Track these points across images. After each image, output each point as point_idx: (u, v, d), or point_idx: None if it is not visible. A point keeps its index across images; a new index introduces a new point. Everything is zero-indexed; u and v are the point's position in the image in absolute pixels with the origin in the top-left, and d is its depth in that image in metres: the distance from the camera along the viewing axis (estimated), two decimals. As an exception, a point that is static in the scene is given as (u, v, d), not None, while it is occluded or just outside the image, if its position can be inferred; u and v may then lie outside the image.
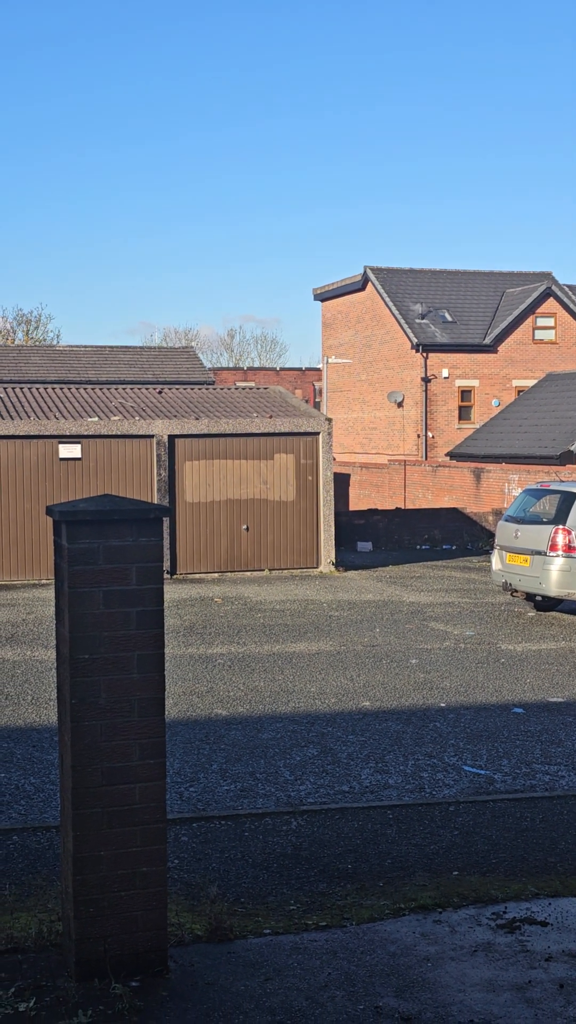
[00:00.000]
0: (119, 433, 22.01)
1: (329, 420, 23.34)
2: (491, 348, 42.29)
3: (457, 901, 6.12)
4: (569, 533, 16.64)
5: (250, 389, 26.20)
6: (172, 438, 22.27)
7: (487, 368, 42.43)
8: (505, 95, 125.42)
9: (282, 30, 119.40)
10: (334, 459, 31.93)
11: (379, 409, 44.65)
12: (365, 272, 45.02)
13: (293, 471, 22.80)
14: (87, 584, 4.93)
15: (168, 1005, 4.81)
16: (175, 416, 22.78)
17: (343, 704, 11.38)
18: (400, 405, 42.92)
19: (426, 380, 41.62)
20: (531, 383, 40.59)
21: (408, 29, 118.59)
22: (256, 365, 76.74)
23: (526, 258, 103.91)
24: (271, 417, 22.97)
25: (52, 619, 16.44)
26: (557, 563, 16.60)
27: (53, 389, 24.91)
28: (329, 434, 23.01)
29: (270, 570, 22.61)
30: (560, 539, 16.65)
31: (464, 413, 42.24)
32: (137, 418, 22.37)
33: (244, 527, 22.49)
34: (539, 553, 16.87)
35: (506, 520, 18.14)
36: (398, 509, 31.02)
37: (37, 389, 24.81)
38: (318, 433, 22.95)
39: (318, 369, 58.82)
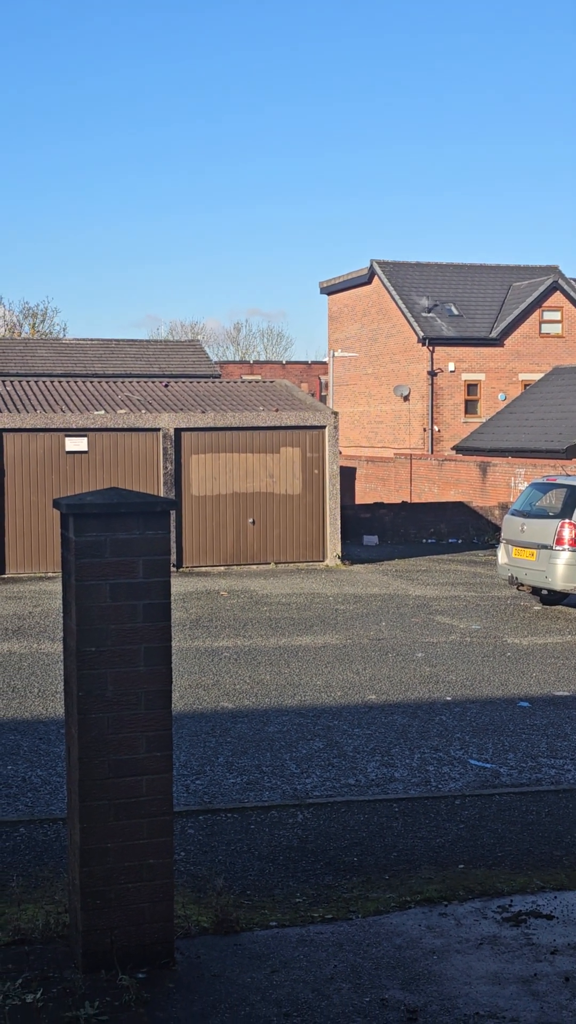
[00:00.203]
0: (125, 426, 22.02)
1: (335, 414, 23.33)
2: (497, 342, 42.23)
3: (463, 894, 6.13)
4: (575, 527, 16.65)
5: (256, 383, 26.19)
6: (178, 431, 22.27)
7: (493, 362, 42.37)
8: (513, 88, 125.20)
9: (289, 20, 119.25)
10: (340, 453, 31.92)
11: (385, 403, 44.62)
12: (371, 266, 44.97)
13: (299, 465, 22.80)
14: (94, 577, 4.94)
15: (174, 997, 4.83)
16: (181, 410, 22.79)
17: (349, 697, 11.39)
18: (406, 399, 42.88)
19: (432, 374, 41.58)
20: (537, 377, 40.53)
21: (415, 22, 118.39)
22: (262, 359, 76.73)
23: (533, 252, 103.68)
24: (277, 411, 22.96)
25: (59, 612, 16.47)
26: (563, 557, 16.61)
27: (59, 382, 24.92)
28: (335, 428, 23.00)
29: (276, 563, 22.62)
30: (566, 533, 16.65)
31: (470, 407, 42.20)
32: (143, 411, 22.38)
33: (250, 520, 22.50)
34: (545, 547, 16.88)
35: (512, 514, 18.14)
36: (404, 503, 31.00)
37: (43, 382, 24.82)
38: (324, 427, 22.95)
39: (324, 363, 58.78)
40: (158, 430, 22.18)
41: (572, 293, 42.97)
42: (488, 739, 9.82)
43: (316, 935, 5.56)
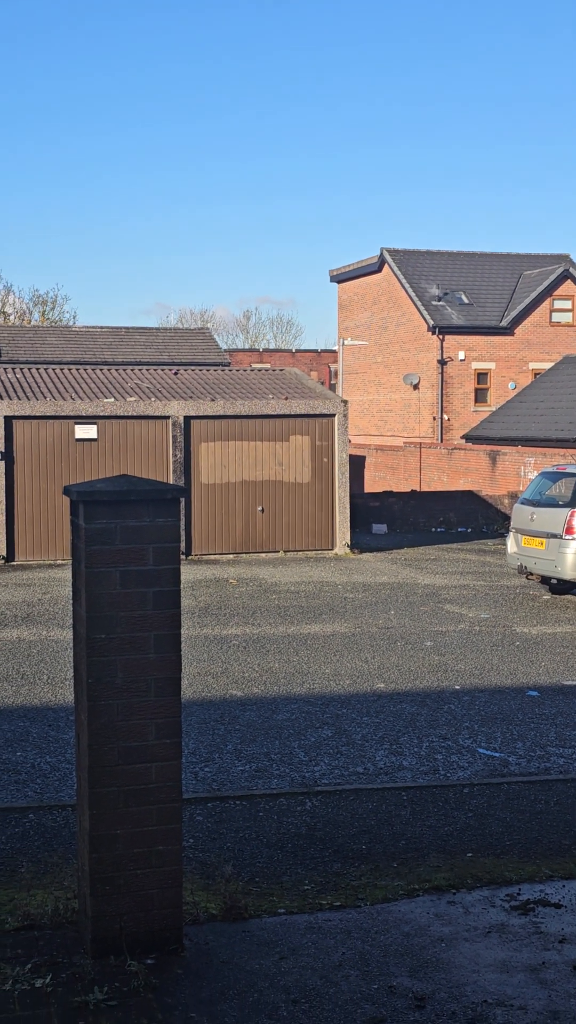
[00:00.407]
0: (135, 414, 22.03)
1: (344, 402, 23.30)
2: (508, 330, 42.12)
3: (471, 882, 6.14)
4: (585, 516, 16.62)
5: (266, 371, 26.17)
6: (188, 419, 22.27)
7: (503, 350, 42.27)
8: (524, 79, 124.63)
9: (299, 13, 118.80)
10: (349, 441, 31.90)
11: (395, 391, 44.55)
12: (382, 254, 44.86)
13: (308, 453, 22.79)
14: (104, 564, 4.94)
15: (183, 982, 4.85)
16: (191, 397, 22.78)
17: (358, 686, 11.39)
18: (416, 387, 42.81)
19: (442, 362, 41.50)
20: (548, 366, 40.42)
21: (424, 13, 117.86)
22: (272, 347, 76.60)
23: (543, 240, 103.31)
24: (286, 399, 22.95)
25: (68, 599, 16.49)
26: (573, 546, 16.58)
27: (69, 370, 24.93)
28: (344, 416, 22.98)
29: (285, 552, 22.62)
30: (576, 522, 16.62)
31: (480, 395, 42.12)
32: (153, 399, 22.38)
33: (259, 508, 22.50)
34: (555, 536, 16.85)
35: (522, 503, 18.11)
36: (413, 491, 30.98)
37: (53, 370, 24.83)
38: (333, 415, 22.92)
39: (334, 351, 58.71)
40: (168, 418, 22.17)
41: (583, 282, 42.84)
42: (497, 728, 9.82)
43: (324, 922, 5.57)
